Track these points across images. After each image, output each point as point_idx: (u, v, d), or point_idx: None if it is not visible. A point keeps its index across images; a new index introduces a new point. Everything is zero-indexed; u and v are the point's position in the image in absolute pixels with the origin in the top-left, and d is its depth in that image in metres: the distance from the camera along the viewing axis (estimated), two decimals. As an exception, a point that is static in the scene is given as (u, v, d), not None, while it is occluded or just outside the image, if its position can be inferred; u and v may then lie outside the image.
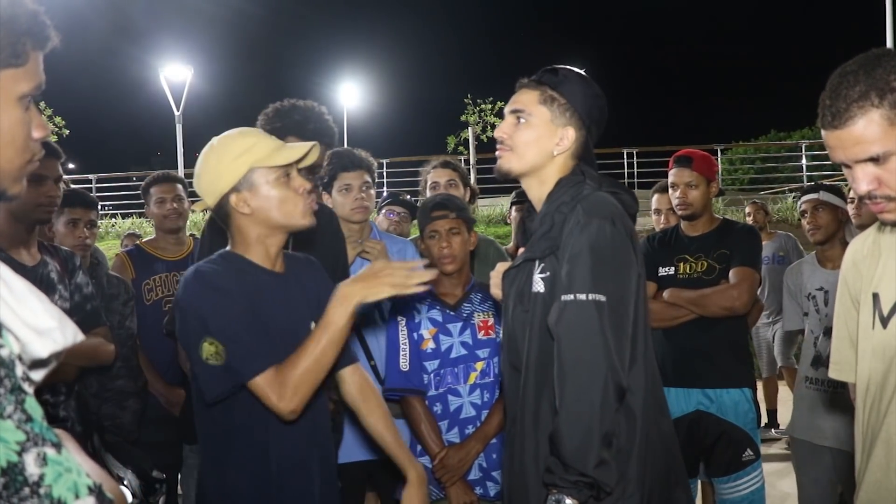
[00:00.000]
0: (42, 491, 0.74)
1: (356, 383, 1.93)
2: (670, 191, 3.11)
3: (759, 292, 3.34)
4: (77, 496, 0.76)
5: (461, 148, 20.92)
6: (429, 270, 1.75)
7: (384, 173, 16.55)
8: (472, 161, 15.14)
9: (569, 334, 1.57)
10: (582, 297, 1.57)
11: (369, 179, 2.85)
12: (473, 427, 2.47)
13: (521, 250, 1.86)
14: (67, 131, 20.94)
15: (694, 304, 2.93)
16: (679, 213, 3.09)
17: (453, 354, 2.51)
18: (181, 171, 15.08)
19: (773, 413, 5.79)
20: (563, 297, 1.60)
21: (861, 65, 1.33)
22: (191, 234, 3.96)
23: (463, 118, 21.84)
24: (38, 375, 0.90)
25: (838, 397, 2.85)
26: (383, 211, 3.59)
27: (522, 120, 1.76)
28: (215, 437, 1.72)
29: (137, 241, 4.35)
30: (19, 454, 0.73)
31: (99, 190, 17.30)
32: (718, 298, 2.90)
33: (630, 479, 1.60)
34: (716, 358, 2.93)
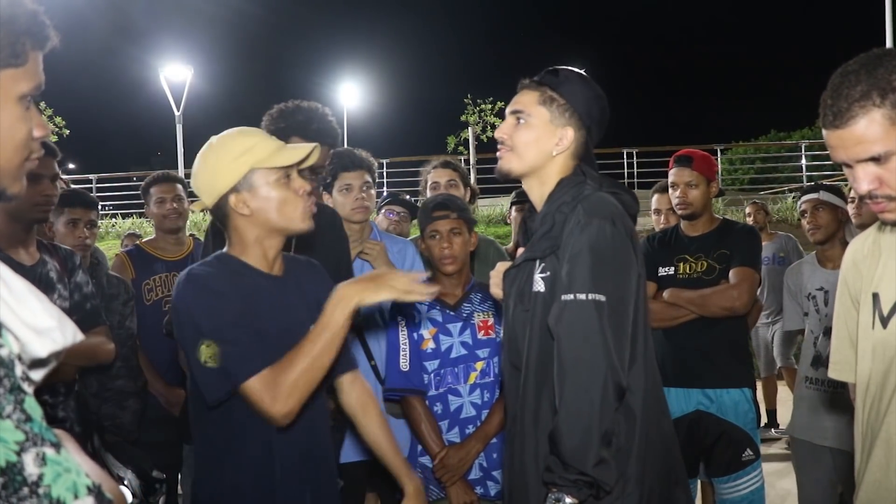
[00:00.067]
0: (41, 491, 0.73)
1: (355, 393, 1.92)
2: (670, 190, 3.11)
3: (758, 293, 3.34)
4: (76, 496, 0.76)
5: (461, 148, 20.95)
6: (431, 286, 1.73)
7: (384, 173, 16.55)
8: (472, 161, 15.15)
9: (569, 334, 1.58)
10: (582, 296, 1.57)
11: (370, 179, 2.85)
12: (473, 427, 2.47)
13: (519, 251, 1.87)
14: (67, 131, 20.98)
15: (694, 304, 2.93)
16: (679, 212, 3.09)
17: (453, 354, 2.51)
18: (181, 171, 15.09)
19: (772, 413, 5.79)
20: (564, 297, 1.60)
21: (862, 64, 1.34)
22: (191, 235, 3.96)
23: (463, 118, 21.88)
24: (37, 375, 0.90)
25: (838, 397, 2.85)
26: (383, 211, 3.59)
27: (522, 121, 1.77)
28: (214, 438, 1.71)
29: (137, 241, 4.35)
30: (18, 454, 0.73)
31: (99, 190, 17.29)
32: (718, 298, 2.89)
33: (629, 478, 1.61)
34: (716, 358, 2.93)
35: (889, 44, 13.64)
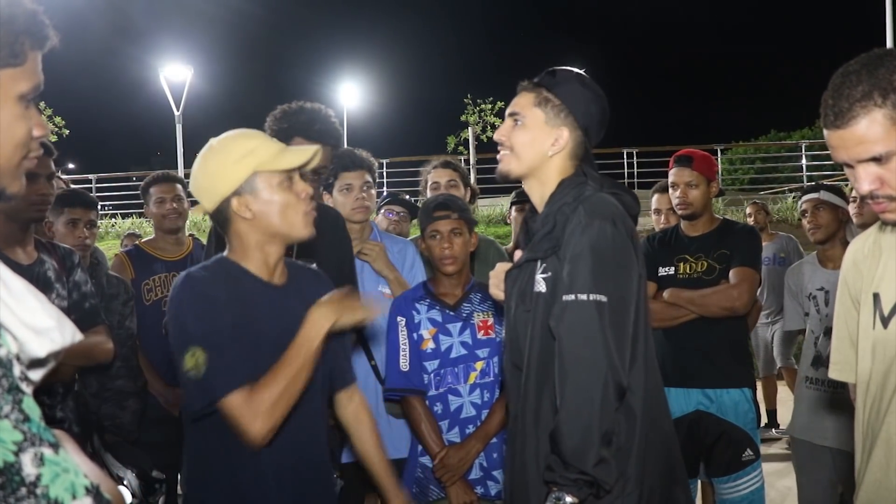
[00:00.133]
0: (39, 491, 0.73)
1: (352, 407, 1.93)
2: (670, 190, 3.11)
3: (758, 293, 3.34)
4: (74, 497, 0.75)
5: (461, 148, 20.96)
6: (377, 303, 1.85)
7: (384, 173, 16.56)
8: (472, 161, 15.16)
9: (570, 334, 1.58)
10: (583, 297, 1.58)
11: (370, 179, 2.85)
12: (474, 427, 2.47)
13: (517, 253, 1.87)
14: (67, 131, 20.97)
15: (694, 304, 2.93)
16: (679, 212, 3.09)
17: (453, 354, 2.51)
18: (181, 172, 15.09)
19: (772, 413, 5.79)
20: (565, 297, 1.61)
21: (864, 64, 1.34)
22: (190, 235, 3.96)
23: (463, 118, 21.89)
24: (36, 375, 0.89)
25: (838, 397, 2.85)
26: (383, 211, 3.59)
27: (519, 122, 1.79)
28: (206, 441, 1.67)
29: (137, 241, 4.34)
30: (16, 454, 0.73)
31: (99, 190, 17.31)
32: (718, 298, 2.89)
33: (629, 478, 1.62)
34: (716, 358, 2.93)
35: (889, 44, 13.65)
